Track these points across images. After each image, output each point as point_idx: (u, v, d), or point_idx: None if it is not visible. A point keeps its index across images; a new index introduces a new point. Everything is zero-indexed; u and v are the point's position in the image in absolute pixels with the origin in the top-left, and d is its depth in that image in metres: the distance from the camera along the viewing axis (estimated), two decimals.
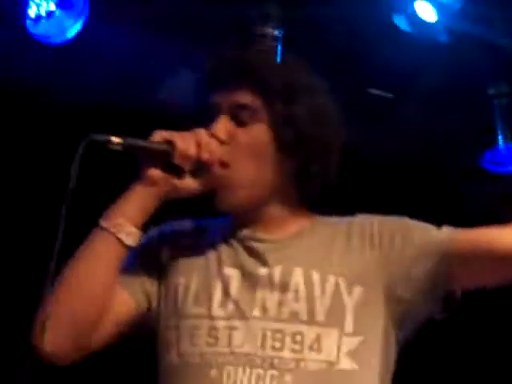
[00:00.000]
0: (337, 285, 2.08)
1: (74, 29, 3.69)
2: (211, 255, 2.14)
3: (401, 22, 3.84)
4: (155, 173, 2.04)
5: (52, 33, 3.70)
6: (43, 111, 4.01)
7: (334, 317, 2.05)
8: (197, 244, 2.19)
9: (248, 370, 2.00)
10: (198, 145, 2.05)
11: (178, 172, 2.07)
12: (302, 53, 3.79)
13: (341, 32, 3.95)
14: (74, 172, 1.96)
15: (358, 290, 2.09)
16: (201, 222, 2.27)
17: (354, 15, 3.88)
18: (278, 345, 2.01)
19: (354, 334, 2.06)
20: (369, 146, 4.44)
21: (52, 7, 3.69)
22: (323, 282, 2.07)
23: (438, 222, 2.19)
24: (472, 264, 2.10)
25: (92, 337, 2.06)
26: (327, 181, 2.18)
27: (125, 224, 2.04)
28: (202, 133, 2.07)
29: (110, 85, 3.79)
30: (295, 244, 2.16)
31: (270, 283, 2.09)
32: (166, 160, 2.05)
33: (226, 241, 2.16)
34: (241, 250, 2.15)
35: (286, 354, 2.00)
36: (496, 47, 3.97)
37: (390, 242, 2.13)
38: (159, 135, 2.04)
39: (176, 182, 2.05)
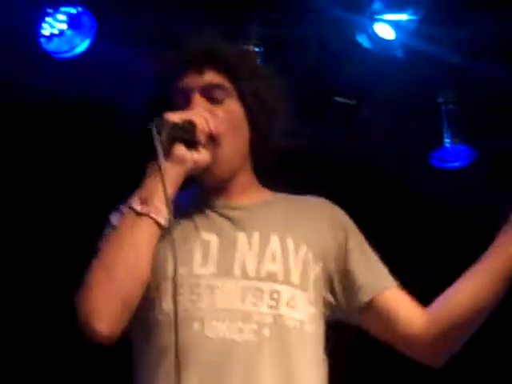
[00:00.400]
0: (307, 254, 2.09)
1: (82, 46, 3.73)
2: (187, 223, 2.08)
3: (363, 40, 3.89)
4: (183, 151, 2.00)
5: (63, 49, 3.73)
6: (53, 117, 4.03)
7: (305, 282, 2.06)
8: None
9: (229, 324, 1.98)
10: (206, 121, 2.04)
11: (194, 148, 2.03)
12: (279, 67, 3.99)
13: (312, 49, 4.03)
14: (158, 148, 1.90)
15: (318, 267, 2.11)
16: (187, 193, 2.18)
17: (323, 35, 3.97)
18: (256, 301, 2.00)
19: (313, 303, 2.08)
20: (334, 145, 4.55)
21: (63, 27, 3.73)
22: (297, 249, 2.08)
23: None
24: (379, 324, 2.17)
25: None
26: (277, 154, 2.19)
27: (161, 207, 1.95)
28: (202, 110, 2.07)
29: (113, 93, 3.80)
30: (267, 211, 2.15)
31: (249, 246, 2.07)
32: (187, 138, 2.01)
33: (199, 209, 2.11)
34: (216, 217, 2.11)
35: (265, 309, 1.99)
36: (444, 62, 4.05)
37: (347, 242, 2.17)
38: (176, 117, 2.00)
39: (196, 157, 2.01)
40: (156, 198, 1.96)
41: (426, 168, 4.51)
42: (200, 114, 2.04)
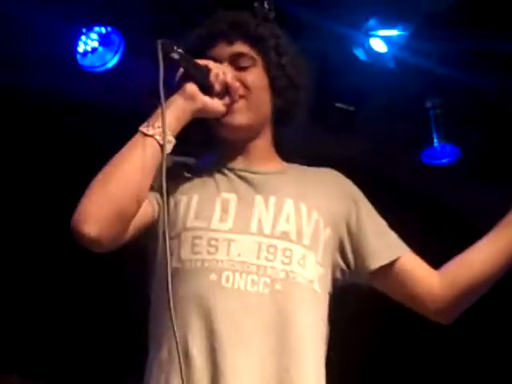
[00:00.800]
0: (317, 220, 2.05)
1: (112, 61, 3.80)
2: (208, 181, 2.06)
3: (360, 53, 3.97)
4: (194, 88, 1.97)
5: (96, 64, 3.81)
6: (89, 124, 4.08)
7: (315, 244, 2.03)
8: (194, 171, 2.10)
9: (244, 276, 1.94)
10: (224, 72, 2.02)
11: (209, 94, 2.00)
12: None
13: (315, 61, 3.61)
14: (161, 73, 1.87)
15: (328, 231, 2.07)
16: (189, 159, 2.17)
17: (325, 48, 3.99)
18: (271, 257, 1.96)
19: (321, 264, 2.04)
20: (334, 144, 4.51)
21: (96, 44, 3.80)
22: (309, 213, 2.04)
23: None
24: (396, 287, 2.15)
25: (124, 231, 1.95)
26: (295, 125, 2.19)
27: (153, 123, 1.93)
28: (225, 67, 2.05)
29: (139, 102, 3.82)
30: (283, 179, 2.11)
31: (265, 207, 2.03)
32: (202, 81, 1.99)
33: (220, 171, 2.08)
34: (236, 180, 2.08)
35: (278, 264, 1.96)
36: (430, 72, 4.09)
37: (358, 212, 2.13)
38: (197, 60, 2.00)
39: (207, 100, 1.99)
40: (159, 123, 1.92)
41: (418, 164, 4.50)
42: (219, 66, 2.03)
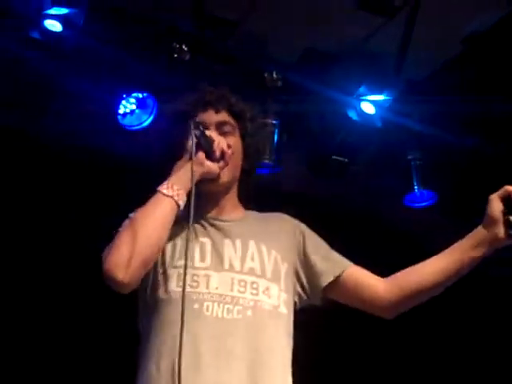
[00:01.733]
0: (276, 257, 2.13)
1: (148, 120, 3.80)
2: (187, 229, 2.03)
3: (352, 114, 3.97)
4: (203, 156, 2.05)
5: (134, 123, 3.82)
6: (125, 175, 4.09)
7: (276, 277, 2.10)
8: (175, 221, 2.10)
9: (221, 305, 2.00)
10: (222, 142, 2.11)
11: (210, 159, 2.07)
12: (291, 135, 4.11)
13: (314, 121, 4.14)
14: (191, 142, 1.98)
15: (285, 265, 2.14)
16: None
17: (323, 111, 4.08)
18: (242, 289, 2.03)
19: (285, 291, 2.11)
20: (331, 189, 4.59)
21: (133, 107, 3.82)
22: (269, 252, 2.12)
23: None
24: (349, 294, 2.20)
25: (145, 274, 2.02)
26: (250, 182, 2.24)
27: (182, 193, 2.01)
28: (218, 135, 2.12)
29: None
30: (246, 225, 2.18)
31: (233, 249, 2.10)
32: (209, 149, 2.06)
33: (196, 220, 2.09)
34: (209, 227, 2.14)
35: (248, 295, 2.03)
36: (412, 129, 4.12)
37: (308, 254, 2.20)
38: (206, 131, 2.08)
39: (210, 165, 2.06)
40: (178, 185, 2.02)
41: (400, 207, 4.46)
42: (217, 136, 2.12)
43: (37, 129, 3.98)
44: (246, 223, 2.21)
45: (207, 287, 2.04)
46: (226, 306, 2.02)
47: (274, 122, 3.92)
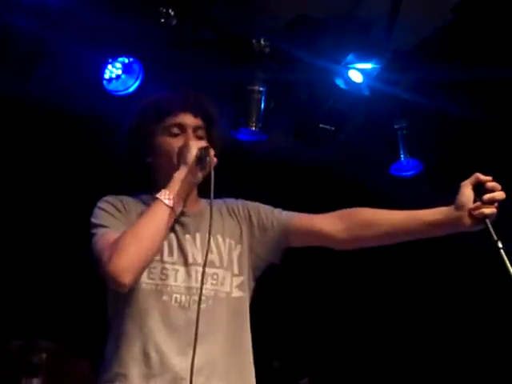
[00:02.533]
0: (230, 244, 2.28)
1: (134, 86, 3.78)
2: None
3: (340, 82, 3.97)
4: (197, 168, 2.20)
5: (119, 88, 3.79)
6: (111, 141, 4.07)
7: (229, 264, 2.26)
8: (144, 211, 2.22)
9: (188, 297, 2.16)
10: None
11: (201, 168, 2.20)
12: (278, 103, 4.09)
13: (303, 89, 4.13)
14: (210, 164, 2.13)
15: (239, 247, 2.29)
16: (137, 197, 2.32)
17: (311, 79, 4.04)
18: (204, 281, 2.15)
19: (238, 275, 2.26)
20: (318, 158, 4.61)
21: (119, 72, 3.78)
22: (223, 242, 2.27)
23: None
24: (302, 236, 2.31)
25: None
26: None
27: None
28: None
29: None
30: (203, 217, 2.28)
31: (194, 243, 2.24)
32: (204, 161, 2.19)
33: None
34: (173, 222, 2.22)
35: (209, 286, 2.19)
36: (399, 98, 4.14)
37: (251, 216, 2.33)
38: (201, 145, 2.21)
39: (200, 174, 2.20)
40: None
41: (386, 176, 4.49)
42: (212, 151, 2.23)
43: (21, 93, 3.93)
44: (203, 217, 2.29)
45: (175, 280, 2.18)
46: (193, 297, 2.16)
47: (261, 89, 3.91)
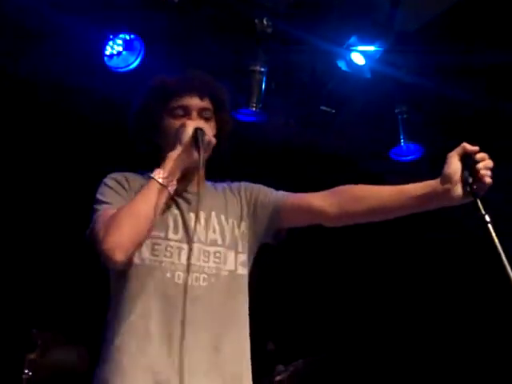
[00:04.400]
0: (233, 223, 2.30)
1: (135, 63, 3.76)
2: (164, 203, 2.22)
3: (342, 65, 3.95)
4: (192, 148, 2.20)
5: (120, 65, 3.78)
6: (112, 118, 3.78)
7: (233, 242, 2.28)
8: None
9: (190, 274, 2.17)
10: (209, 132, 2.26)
11: (197, 149, 2.20)
12: (280, 84, 4.07)
13: (304, 71, 4.09)
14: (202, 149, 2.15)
15: (242, 226, 2.32)
16: (143, 174, 2.30)
17: (313, 61, 4.02)
18: (206, 259, 2.21)
19: (242, 252, 2.29)
20: (318, 141, 4.61)
21: (120, 49, 3.77)
22: (226, 221, 2.30)
23: None
24: (294, 213, 2.30)
25: None
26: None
27: (172, 180, 2.19)
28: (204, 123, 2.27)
29: None
30: (208, 197, 2.31)
31: (198, 221, 2.24)
32: (198, 143, 2.20)
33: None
34: (179, 199, 2.27)
35: (211, 264, 2.22)
36: (400, 81, 4.12)
37: (252, 196, 2.34)
38: (197, 125, 2.21)
39: (195, 155, 2.20)
40: (172, 176, 2.18)
41: (387, 161, 4.49)
42: (206, 126, 2.26)
43: (23, 70, 3.93)
44: (208, 196, 2.33)
45: (179, 258, 2.19)
46: (195, 275, 2.19)
47: (262, 69, 3.88)
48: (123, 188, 2.25)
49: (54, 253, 4.21)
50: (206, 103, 2.31)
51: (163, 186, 2.17)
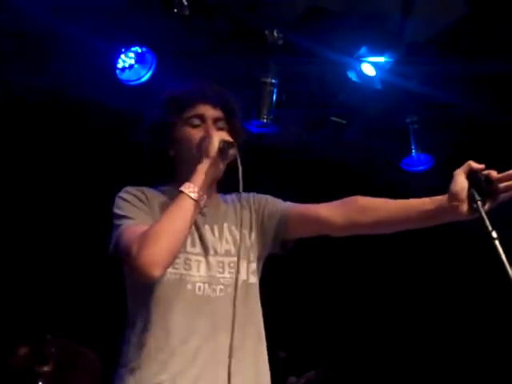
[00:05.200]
0: (244, 233, 2.29)
1: (146, 76, 3.76)
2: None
3: (352, 75, 3.96)
4: (219, 160, 2.20)
5: (132, 78, 3.77)
6: (124, 131, 3.78)
7: (245, 252, 2.28)
8: (163, 202, 2.25)
9: (207, 286, 2.19)
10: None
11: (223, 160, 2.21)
12: (290, 95, 4.07)
13: (315, 82, 4.08)
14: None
15: (253, 235, 2.32)
16: (157, 188, 2.32)
17: (324, 72, 4.01)
18: (221, 270, 2.22)
19: (253, 261, 2.30)
20: (329, 151, 4.56)
21: (132, 61, 3.76)
22: (239, 232, 2.26)
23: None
24: (301, 224, 2.30)
25: None
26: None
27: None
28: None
29: None
30: (220, 210, 2.34)
31: (212, 233, 2.27)
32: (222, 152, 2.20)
33: None
34: None
35: (227, 274, 2.22)
36: (411, 92, 4.11)
37: (260, 207, 2.34)
38: (223, 137, 2.21)
39: (221, 167, 2.21)
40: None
41: (398, 171, 4.49)
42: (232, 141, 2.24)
43: (35, 83, 3.90)
44: (220, 208, 2.36)
45: (198, 270, 2.21)
46: (212, 286, 2.20)
47: (273, 81, 3.87)
48: (141, 201, 2.23)
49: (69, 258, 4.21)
50: (218, 113, 2.31)
51: (194, 200, 2.15)
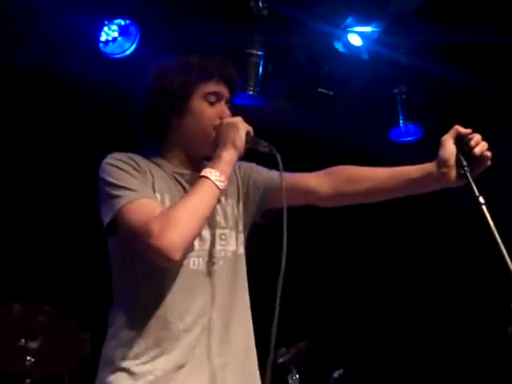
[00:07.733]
0: (232, 204, 2.26)
1: (130, 49, 3.72)
2: (170, 183, 2.18)
3: (339, 46, 3.93)
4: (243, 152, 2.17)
5: (116, 51, 3.73)
6: (107, 104, 3.97)
7: (234, 221, 2.24)
8: (155, 170, 2.18)
9: (201, 259, 2.13)
10: None
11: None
12: (277, 67, 4.04)
13: (302, 53, 4.06)
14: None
15: (240, 205, 2.28)
16: (148, 158, 2.23)
17: (310, 42, 3.98)
18: (213, 243, 2.17)
19: (242, 231, 2.26)
20: (316, 123, 4.59)
21: (116, 34, 3.73)
22: (227, 202, 2.24)
23: None
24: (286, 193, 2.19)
25: None
26: None
27: (225, 180, 2.09)
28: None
29: None
30: None
31: None
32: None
33: (173, 175, 2.21)
34: (185, 184, 2.20)
35: (218, 247, 2.18)
36: (398, 62, 4.09)
37: (245, 175, 2.31)
38: (247, 128, 2.16)
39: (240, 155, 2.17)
40: (222, 173, 2.09)
41: (385, 142, 4.49)
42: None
43: (18, 55, 3.88)
44: None
45: (193, 245, 2.13)
46: (205, 259, 2.15)
47: (260, 53, 3.84)
48: (136, 170, 2.12)
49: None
50: (228, 94, 2.24)
51: (218, 188, 2.08)
